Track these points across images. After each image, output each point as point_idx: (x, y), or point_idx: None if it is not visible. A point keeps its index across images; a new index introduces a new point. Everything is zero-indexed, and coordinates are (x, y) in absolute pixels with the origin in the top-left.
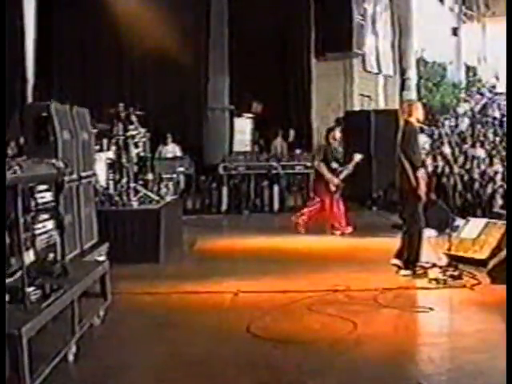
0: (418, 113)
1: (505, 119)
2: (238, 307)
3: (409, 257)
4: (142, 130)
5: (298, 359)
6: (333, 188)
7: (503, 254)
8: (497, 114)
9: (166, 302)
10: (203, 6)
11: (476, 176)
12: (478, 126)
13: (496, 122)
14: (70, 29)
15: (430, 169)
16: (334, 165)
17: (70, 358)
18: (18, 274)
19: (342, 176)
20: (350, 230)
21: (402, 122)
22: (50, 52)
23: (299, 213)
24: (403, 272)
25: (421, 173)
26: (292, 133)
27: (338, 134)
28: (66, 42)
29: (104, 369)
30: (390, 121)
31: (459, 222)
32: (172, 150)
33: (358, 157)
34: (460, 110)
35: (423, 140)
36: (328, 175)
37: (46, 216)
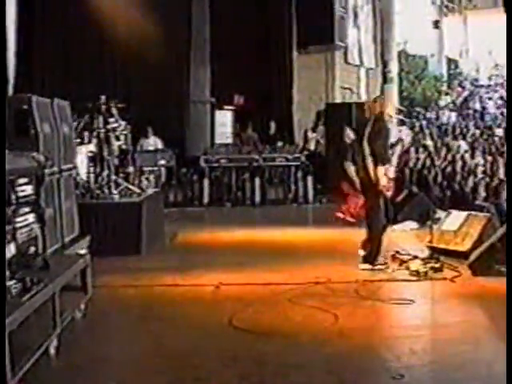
0: (388, 108)
1: (486, 112)
2: (220, 300)
3: (371, 251)
4: (123, 123)
5: (280, 351)
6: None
7: (484, 246)
8: (478, 107)
9: (148, 295)
10: None
11: (457, 169)
12: (459, 119)
13: (477, 115)
14: (51, 21)
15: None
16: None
17: (52, 351)
18: None
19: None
20: (353, 220)
21: (371, 118)
22: (30, 44)
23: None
24: (362, 266)
25: (382, 169)
26: (273, 125)
27: (351, 134)
28: (47, 34)
29: (86, 362)
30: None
31: (440, 214)
32: (153, 142)
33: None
34: (441, 103)
35: (405, 132)
36: (353, 175)
37: (26, 209)
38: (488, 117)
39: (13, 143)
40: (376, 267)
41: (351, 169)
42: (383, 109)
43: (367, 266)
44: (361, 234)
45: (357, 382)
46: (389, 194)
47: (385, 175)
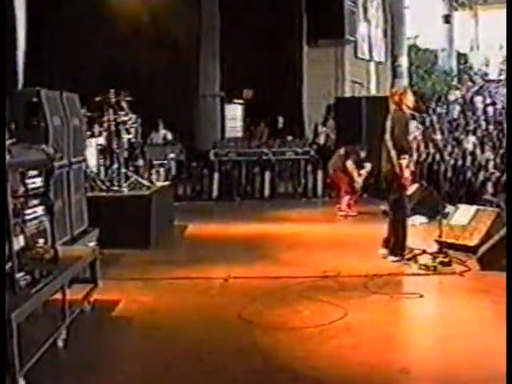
0: (408, 100)
1: (497, 106)
2: (229, 293)
3: (396, 243)
4: (133, 116)
5: (288, 345)
6: (356, 185)
7: (493, 240)
8: (488, 102)
9: (157, 288)
10: None
11: (468, 163)
12: (469, 114)
13: (487, 110)
14: (60, 13)
15: (421, 156)
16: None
17: (60, 343)
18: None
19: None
20: (354, 213)
21: (391, 109)
22: (41, 37)
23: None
24: (391, 258)
25: (405, 161)
26: (281, 119)
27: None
28: (56, 27)
29: (94, 354)
30: (381, 107)
31: (449, 208)
32: (163, 135)
33: (368, 166)
34: (451, 97)
35: (415, 127)
36: (355, 175)
37: (36, 202)
38: (498, 111)
39: (23, 136)
40: (404, 259)
41: (353, 168)
42: (403, 99)
43: (396, 258)
44: (368, 227)
45: (364, 376)
46: (408, 186)
47: (407, 167)
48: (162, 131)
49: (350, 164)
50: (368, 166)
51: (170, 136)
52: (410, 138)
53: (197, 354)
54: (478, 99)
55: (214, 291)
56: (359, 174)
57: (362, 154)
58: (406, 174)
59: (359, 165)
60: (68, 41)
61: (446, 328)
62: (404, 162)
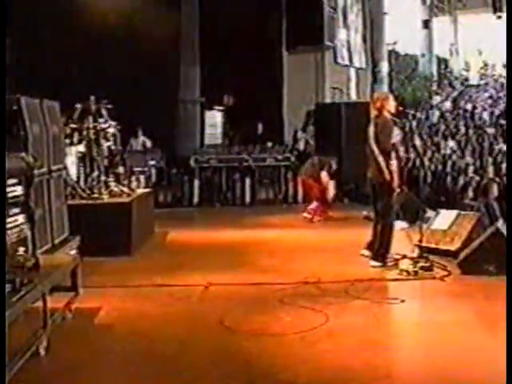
0: (390, 105)
1: (476, 111)
2: (210, 300)
3: (379, 248)
4: (113, 124)
5: (269, 351)
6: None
7: (474, 245)
8: (468, 107)
9: (138, 295)
10: None
11: (447, 168)
12: (449, 119)
13: (467, 115)
14: (40, 21)
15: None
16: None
17: (42, 351)
18: None
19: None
20: (320, 218)
21: (372, 115)
22: (21, 45)
23: (308, 212)
24: (373, 263)
25: (394, 165)
26: (260, 126)
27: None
28: (36, 34)
29: (76, 362)
30: (361, 113)
31: (430, 213)
32: (142, 143)
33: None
34: (432, 103)
35: (395, 133)
36: (329, 187)
37: (16, 210)
38: (477, 116)
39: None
40: (387, 265)
41: (328, 178)
42: (384, 104)
43: (378, 263)
44: (349, 233)
45: (346, 381)
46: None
47: (396, 172)
48: (141, 138)
49: (324, 175)
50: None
51: (149, 143)
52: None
53: (178, 362)
54: (458, 104)
55: (194, 298)
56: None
57: (334, 166)
58: (396, 178)
59: (331, 176)
60: (46, 47)
61: (428, 332)
62: (393, 168)
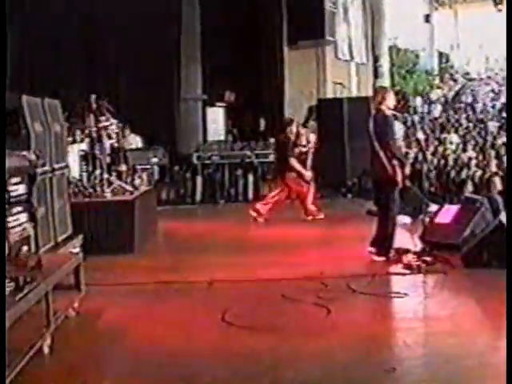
0: (390, 100)
1: (478, 105)
2: (213, 296)
3: (383, 243)
4: (114, 121)
5: (272, 347)
6: (307, 179)
7: (477, 238)
8: (470, 100)
9: (141, 293)
10: None
11: (450, 162)
12: (451, 112)
13: (468, 109)
14: (40, 19)
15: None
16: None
17: (45, 350)
18: None
19: (308, 167)
20: (321, 215)
21: (373, 109)
22: (22, 44)
23: (262, 202)
24: (377, 258)
25: (396, 161)
26: (263, 122)
27: (294, 128)
28: (36, 32)
29: (79, 361)
30: (362, 108)
31: (433, 207)
32: (133, 141)
33: (312, 136)
34: (433, 97)
35: (398, 127)
36: (300, 169)
37: (19, 208)
38: (479, 110)
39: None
40: (390, 259)
41: (295, 162)
42: (386, 98)
43: (382, 258)
44: (352, 228)
45: (349, 376)
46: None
47: (400, 168)
48: (131, 136)
49: (292, 161)
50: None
51: (139, 141)
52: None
53: (182, 358)
54: (460, 98)
55: (198, 295)
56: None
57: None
58: (399, 172)
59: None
60: (47, 46)
61: (431, 327)
62: (396, 162)
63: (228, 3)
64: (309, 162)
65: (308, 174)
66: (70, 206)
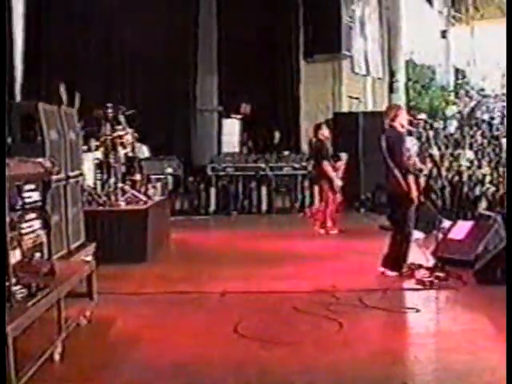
0: (402, 117)
1: (494, 122)
2: (225, 308)
3: (396, 259)
4: (130, 131)
5: (284, 359)
6: (336, 187)
7: (490, 255)
8: (485, 117)
9: (153, 302)
10: (192, 6)
11: (464, 178)
12: (466, 129)
13: (484, 126)
14: (58, 28)
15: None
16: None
17: (56, 357)
18: None
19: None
20: (335, 230)
21: (386, 126)
22: (38, 51)
23: (314, 217)
24: (390, 273)
25: (411, 177)
26: (277, 134)
27: (326, 131)
28: (54, 41)
29: (90, 369)
30: (378, 123)
31: (446, 223)
32: (139, 150)
33: (344, 156)
34: (448, 113)
35: (412, 143)
36: (332, 174)
37: (33, 215)
38: (495, 127)
39: (20, 149)
40: (402, 275)
41: (329, 167)
42: (398, 115)
43: (395, 273)
44: (364, 242)
45: None
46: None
47: (415, 184)
48: (137, 145)
49: (325, 164)
50: (343, 156)
51: (146, 150)
52: (410, 154)
53: (193, 369)
54: (475, 115)
55: (210, 306)
56: (335, 170)
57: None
58: (414, 189)
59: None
60: (66, 53)
61: (443, 342)
62: (411, 180)
63: (245, 17)
64: (340, 173)
65: (338, 183)
66: (83, 214)
